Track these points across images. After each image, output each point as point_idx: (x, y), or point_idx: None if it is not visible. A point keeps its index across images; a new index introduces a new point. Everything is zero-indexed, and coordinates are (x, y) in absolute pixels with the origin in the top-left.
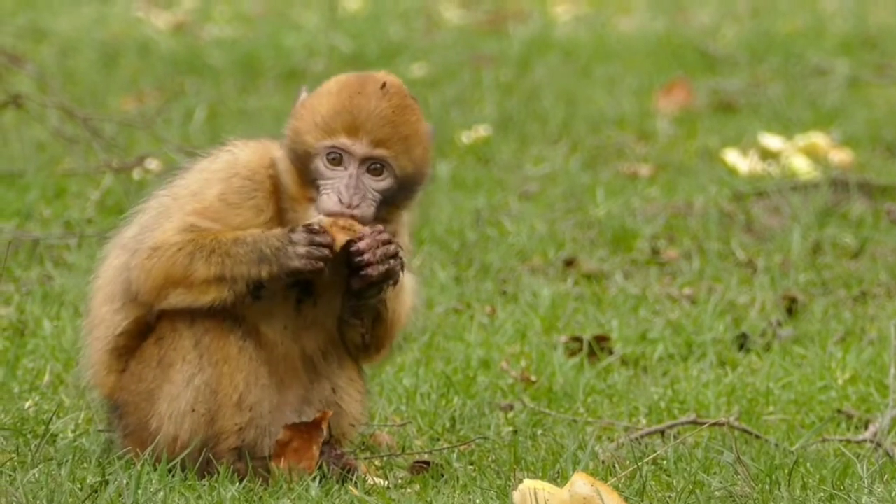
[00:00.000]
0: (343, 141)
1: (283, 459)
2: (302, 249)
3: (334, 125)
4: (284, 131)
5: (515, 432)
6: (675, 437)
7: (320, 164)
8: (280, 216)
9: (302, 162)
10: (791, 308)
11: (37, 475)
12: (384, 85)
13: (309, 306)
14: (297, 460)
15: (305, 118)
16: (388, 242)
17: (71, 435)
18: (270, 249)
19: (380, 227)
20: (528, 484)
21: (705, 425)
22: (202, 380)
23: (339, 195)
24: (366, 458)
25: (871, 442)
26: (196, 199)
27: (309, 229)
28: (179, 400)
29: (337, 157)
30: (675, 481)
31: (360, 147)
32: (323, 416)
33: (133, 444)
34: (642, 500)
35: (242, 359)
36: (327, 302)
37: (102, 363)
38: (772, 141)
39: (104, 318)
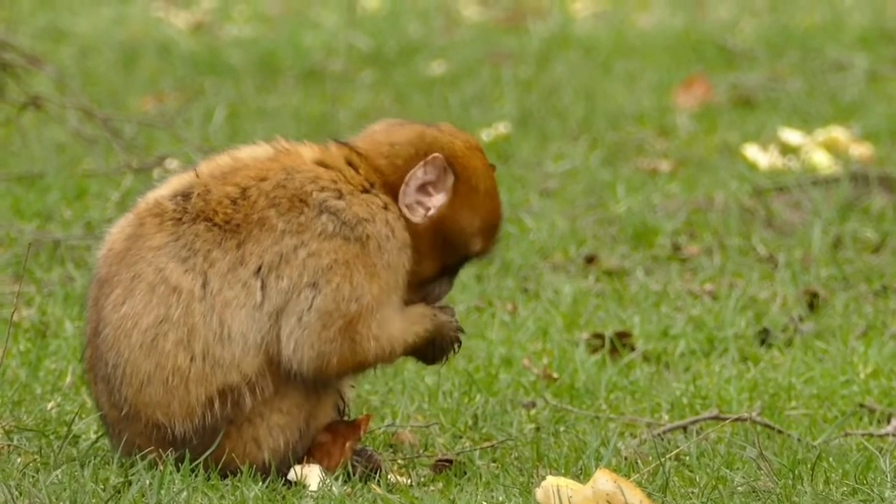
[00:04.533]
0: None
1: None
2: (455, 350)
3: (495, 235)
4: (424, 202)
5: (538, 429)
6: (698, 433)
7: (458, 265)
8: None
9: (446, 252)
10: (812, 303)
11: (59, 476)
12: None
13: None
14: (325, 460)
15: (471, 219)
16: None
17: (93, 436)
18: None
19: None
20: (551, 481)
21: (728, 420)
22: (307, 410)
23: (445, 294)
24: (390, 458)
25: (894, 436)
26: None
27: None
28: (285, 429)
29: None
30: (697, 477)
31: None
32: (365, 418)
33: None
34: (665, 496)
35: (333, 386)
36: None
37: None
38: (792, 136)
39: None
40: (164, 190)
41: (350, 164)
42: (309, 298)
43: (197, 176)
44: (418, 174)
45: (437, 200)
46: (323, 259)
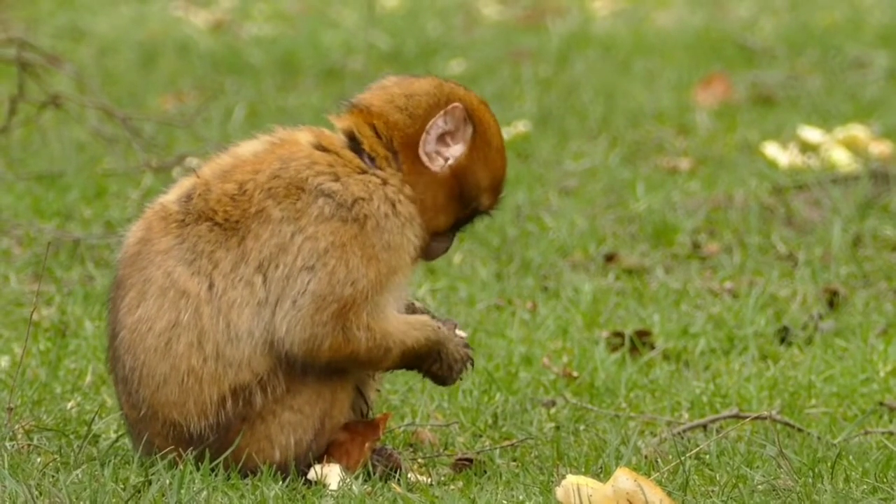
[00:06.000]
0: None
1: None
2: (460, 374)
3: (501, 192)
4: (440, 153)
5: (558, 428)
6: (718, 432)
7: (467, 220)
8: None
9: (460, 204)
10: (832, 301)
11: (80, 476)
12: None
13: None
14: (344, 459)
15: (484, 172)
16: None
17: (113, 435)
18: (458, 363)
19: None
20: (571, 479)
21: (748, 419)
22: (322, 409)
23: (446, 250)
24: (410, 458)
25: None
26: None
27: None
28: (297, 427)
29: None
30: (717, 475)
31: None
32: (384, 417)
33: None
34: (685, 495)
35: (349, 385)
36: None
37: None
38: (811, 134)
39: (236, 358)
40: (171, 194)
41: (353, 138)
42: (305, 282)
43: (198, 177)
44: (439, 123)
45: (457, 150)
46: (320, 242)
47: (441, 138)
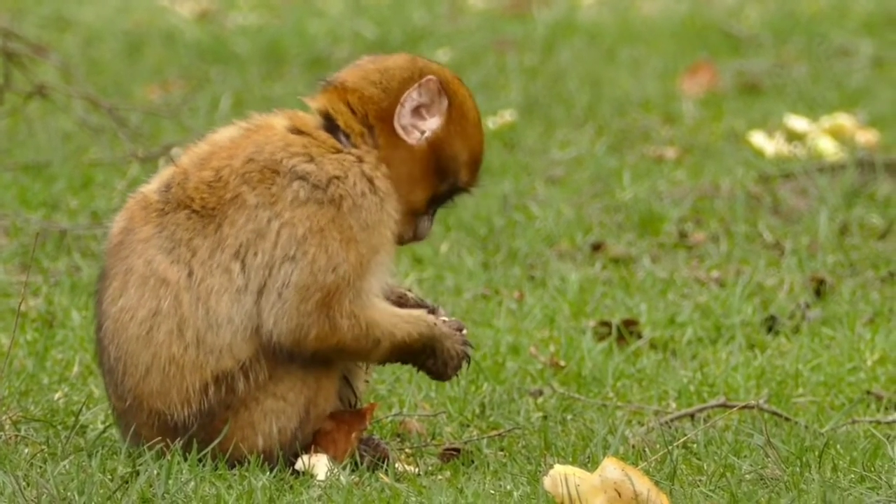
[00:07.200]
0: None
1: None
2: (456, 371)
3: (479, 168)
4: (416, 124)
5: (545, 418)
6: (705, 421)
7: (445, 196)
8: None
9: (437, 179)
10: (819, 289)
11: (67, 466)
12: None
13: None
14: (331, 448)
15: (462, 146)
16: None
17: (101, 426)
18: (454, 360)
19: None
20: (559, 469)
21: (735, 408)
22: (306, 396)
23: (426, 231)
24: (398, 448)
25: None
26: None
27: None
28: (280, 414)
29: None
30: (705, 465)
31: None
32: (370, 406)
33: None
34: (673, 484)
35: (335, 374)
36: None
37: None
38: (798, 122)
39: (221, 345)
40: (152, 184)
41: (328, 117)
42: (287, 273)
43: (177, 166)
44: (413, 95)
45: (433, 123)
46: (298, 228)
47: (416, 111)
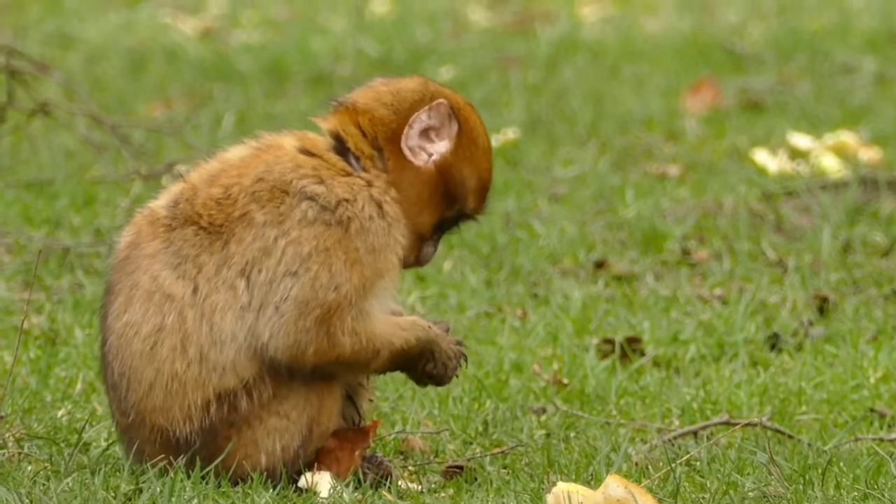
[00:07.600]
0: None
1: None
2: (455, 371)
3: (487, 195)
4: (427, 149)
5: (548, 435)
6: (708, 438)
7: (451, 222)
8: None
9: (444, 204)
10: (822, 307)
11: (70, 484)
12: None
13: None
14: (334, 466)
15: (471, 172)
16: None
17: (104, 443)
18: (452, 360)
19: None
20: (562, 487)
21: (738, 426)
22: (309, 415)
23: (431, 256)
24: (401, 465)
25: None
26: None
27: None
28: (283, 432)
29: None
30: (708, 482)
31: None
32: (373, 424)
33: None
34: (676, 502)
35: (337, 391)
36: None
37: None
38: (800, 140)
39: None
40: (160, 199)
41: (338, 138)
42: (287, 287)
43: (186, 182)
44: (422, 117)
45: (441, 147)
46: (303, 246)
47: (425, 133)
